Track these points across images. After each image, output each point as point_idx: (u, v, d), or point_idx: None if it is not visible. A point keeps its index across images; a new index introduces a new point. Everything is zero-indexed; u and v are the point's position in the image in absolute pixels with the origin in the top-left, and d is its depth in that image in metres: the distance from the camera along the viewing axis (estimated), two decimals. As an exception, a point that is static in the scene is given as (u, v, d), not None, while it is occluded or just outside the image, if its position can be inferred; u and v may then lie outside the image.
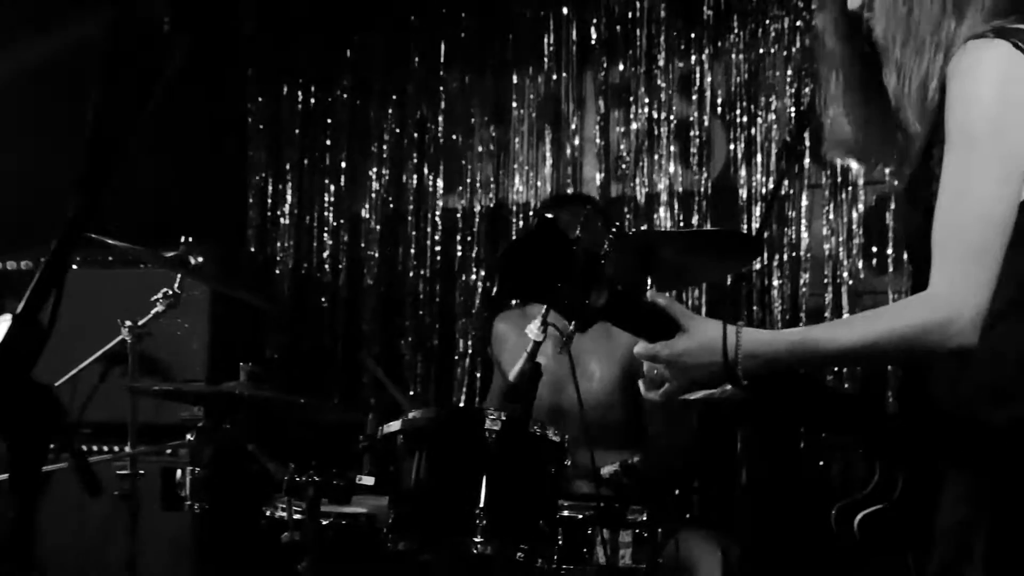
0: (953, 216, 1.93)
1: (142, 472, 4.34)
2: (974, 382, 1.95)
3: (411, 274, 6.07)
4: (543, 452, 3.43)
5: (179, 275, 4.27)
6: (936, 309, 1.91)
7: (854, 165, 5.11)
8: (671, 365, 2.08)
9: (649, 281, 3.35)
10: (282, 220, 6.33)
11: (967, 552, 1.93)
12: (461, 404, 3.87)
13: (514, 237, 5.71)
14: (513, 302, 4.50)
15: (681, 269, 3.52)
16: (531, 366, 3.43)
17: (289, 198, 6.32)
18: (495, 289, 2.06)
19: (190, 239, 4.24)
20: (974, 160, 1.93)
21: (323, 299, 6.22)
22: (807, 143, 5.25)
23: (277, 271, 6.28)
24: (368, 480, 3.67)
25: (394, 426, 3.53)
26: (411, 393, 5.95)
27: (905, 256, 2.59)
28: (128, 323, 4.31)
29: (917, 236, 2.03)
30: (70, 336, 4.75)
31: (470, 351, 5.86)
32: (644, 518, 3.54)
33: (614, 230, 4.40)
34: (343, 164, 6.24)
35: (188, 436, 3.95)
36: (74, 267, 5.34)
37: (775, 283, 5.32)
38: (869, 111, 2.21)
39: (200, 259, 4.32)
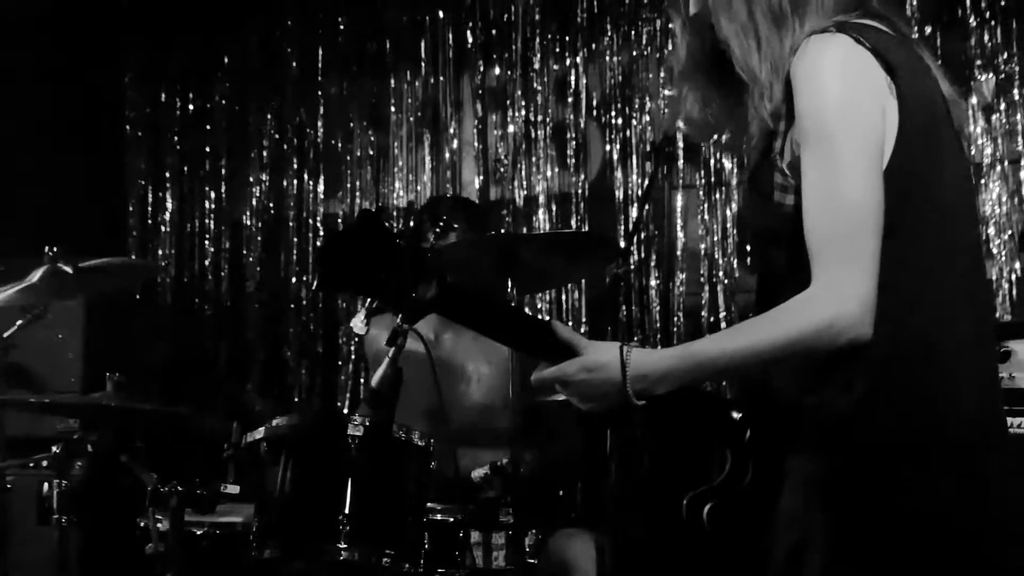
0: (824, 215, 1.93)
1: (9, 487, 4.25)
2: (816, 368, 1.98)
3: (293, 280, 6.03)
4: (407, 457, 3.42)
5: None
6: (821, 308, 1.91)
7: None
8: (566, 388, 2.10)
9: (510, 283, 3.36)
10: (162, 228, 6.26)
11: (808, 538, 1.96)
12: (325, 409, 3.85)
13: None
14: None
15: (542, 271, 3.54)
16: (393, 371, 3.41)
17: (169, 205, 6.25)
18: (315, 282, 2.00)
19: (55, 248, 4.16)
20: (833, 155, 1.93)
21: (206, 306, 6.17)
22: (680, 144, 5.30)
23: (158, 279, 6.21)
24: (233, 489, 3.63)
25: (258, 434, 3.50)
26: (295, 400, 5.93)
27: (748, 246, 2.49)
28: (-8, 335, 4.23)
29: (762, 223, 2.08)
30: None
31: (353, 357, 5.83)
32: (512, 519, 3.55)
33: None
34: (223, 170, 6.18)
35: (54, 448, 3.88)
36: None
37: (652, 283, 5.37)
38: (717, 93, 2.22)
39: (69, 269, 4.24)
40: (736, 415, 2.12)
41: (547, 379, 2.11)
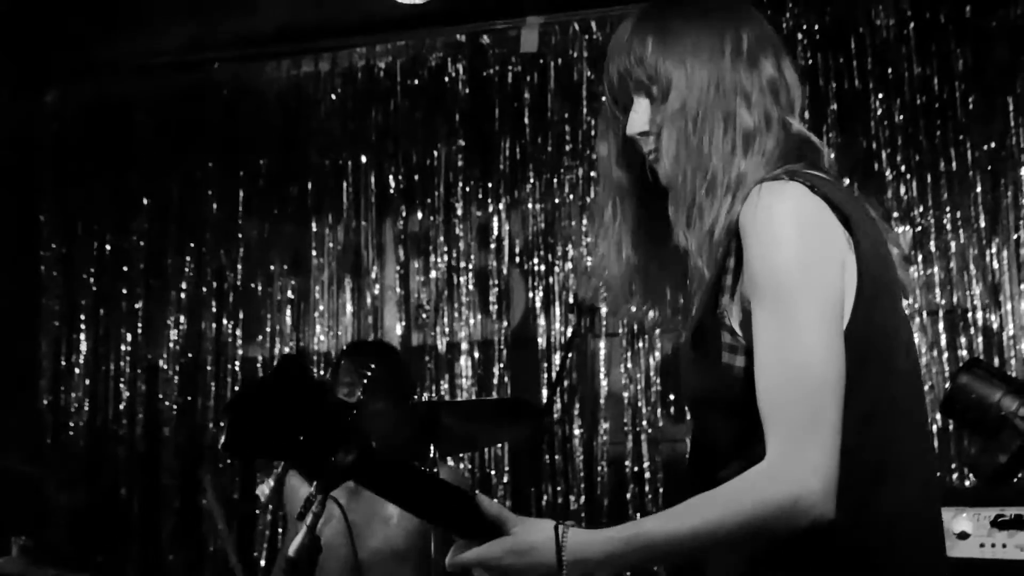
0: (780, 380, 1.79)
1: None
2: (766, 550, 1.85)
3: (210, 425, 5.91)
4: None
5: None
6: (781, 486, 1.75)
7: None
8: (491, 572, 1.89)
9: (433, 448, 3.31)
10: (76, 369, 6.12)
11: None
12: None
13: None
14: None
15: (466, 437, 3.49)
16: (310, 539, 3.33)
17: (83, 346, 6.13)
18: (221, 441, 1.73)
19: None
20: (792, 316, 1.79)
21: (119, 451, 6.02)
22: (603, 294, 5.30)
23: (71, 423, 6.06)
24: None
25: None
26: (211, 549, 5.77)
27: (686, 408, 2.42)
28: None
29: (704, 386, 1.92)
30: None
31: (271, 506, 5.70)
32: None
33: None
34: (139, 312, 6.08)
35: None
36: None
37: (575, 431, 5.33)
38: (641, 251, 2.11)
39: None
40: None
41: (468, 561, 1.89)
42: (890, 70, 5.09)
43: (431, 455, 3.30)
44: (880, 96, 5.09)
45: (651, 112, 2.02)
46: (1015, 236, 4.82)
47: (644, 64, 2.01)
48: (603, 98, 2.10)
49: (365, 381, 3.99)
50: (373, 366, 4.12)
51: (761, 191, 1.86)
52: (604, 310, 5.31)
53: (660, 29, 2.02)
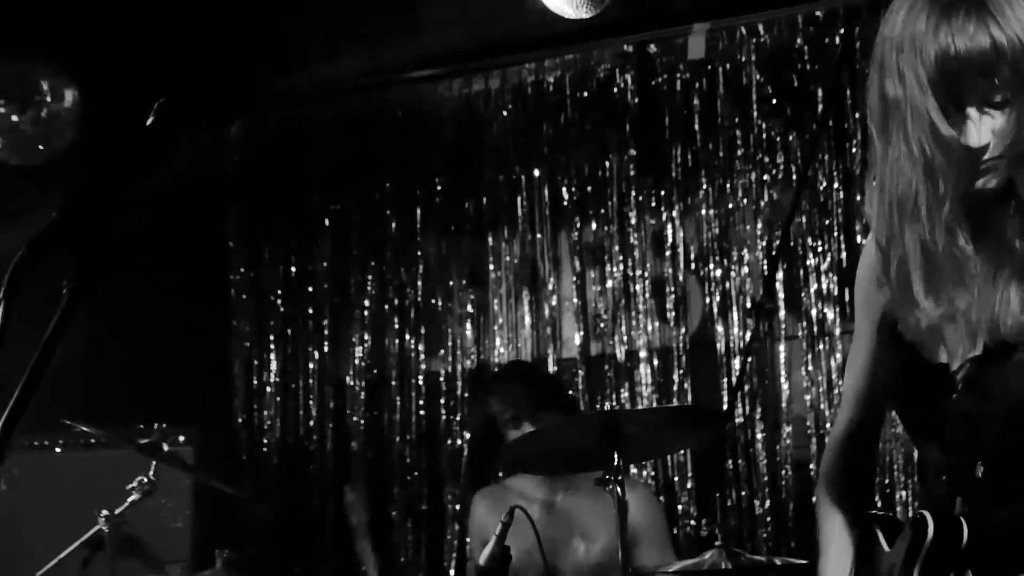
0: None
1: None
2: None
3: (397, 439, 6.05)
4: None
5: (154, 462, 4.25)
6: None
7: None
8: None
9: (616, 457, 3.34)
10: (267, 388, 6.33)
11: None
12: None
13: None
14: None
15: (649, 444, 3.52)
16: (500, 549, 3.41)
17: (274, 366, 6.34)
18: None
19: (164, 425, 4.25)
20: None
21: (311, 466, 6.20)
22: (780, 295, 5.28)
23: (265, 440, 6.27)
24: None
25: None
26: (402, 559, 5.91)
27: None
28: (105, 512, 4.28)
29: None
30: (51, 521, 4.81)
31: (459, 516, 5.81)
32: None
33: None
34: (325, 331, 6.26)
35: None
36: (56, 450, 5.36)
37: (758, 436, 5.31)
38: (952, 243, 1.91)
39: (176, 445, 4.32)
40: None
41: None
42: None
43: (616, 463, 3.33)
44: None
45: (1003, 116, 1.83)
46: None
47: (1008, 53, 1.80)
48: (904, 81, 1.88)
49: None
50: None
51: None
52: (783, 313, 5.30)
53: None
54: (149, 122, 1.68)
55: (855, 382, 2.26)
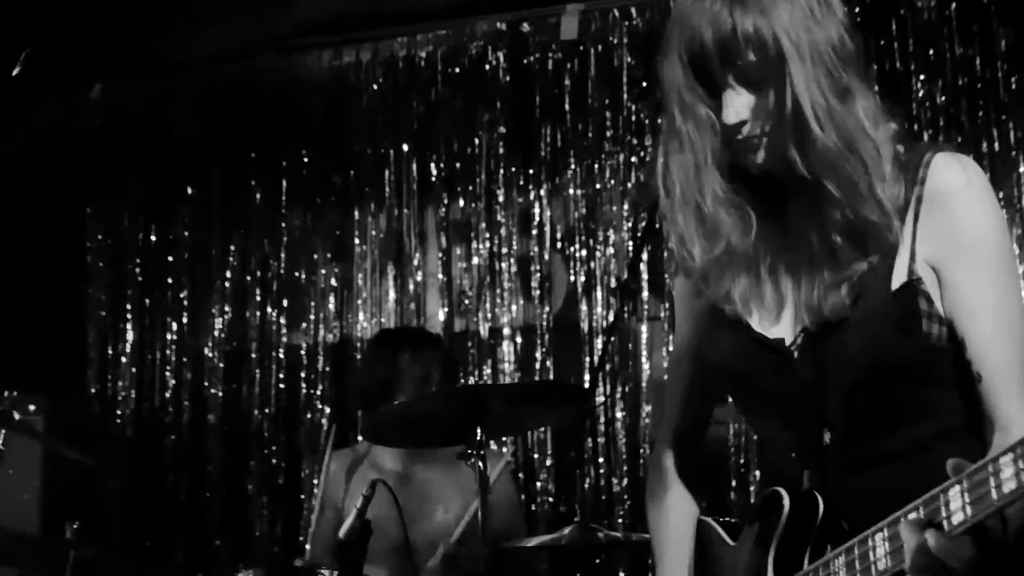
0: (1008, 343, 1.88)
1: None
2: None
3: (255, 412, 5.97)
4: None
5: (3, 431, 4.12)
6: None
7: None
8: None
9: (479, 431, 3.33)
10: (123, 358, 6.20)
11: None
12: (296, 563, 3.79)
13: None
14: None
15: (512, 419, 3.53)
16: (361, 523, 3.39)
17: (130, 336, 6.20)
18: None
19: (15, 393, 4.11)
20: (1006, 278, 1.91)
21: (166, 439, 6.08)
22: (645, 276, 5.32)
23: (118, 412, 6.14)
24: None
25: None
26: (257, 534, 5.84)
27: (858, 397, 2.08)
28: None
29: (896, 356, 1.91)
30: None
31: (316, 491, 5.75)
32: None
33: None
34: (185, 301, 6.15)
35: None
36: None
37: (618, 415, 5.35)
38: (727, 231, 2.00)
39: (26, 413, 4.19)
40: None
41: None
42: (931, 51, 5.07)
43: (479, 438, 3.32)
44: (922, 77, 5.07)
45: (755, 97, 1.92)
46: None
47: (752, 38, 1.89)
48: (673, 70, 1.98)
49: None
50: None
51: (963, 163, 1.94)
52: (646, 294, 5.35)
53: None
54: (14, 72, 1.64)
55: (679, 383, 2.30)
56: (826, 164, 1.90)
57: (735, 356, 2.08)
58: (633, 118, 5.46)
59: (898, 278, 1.93)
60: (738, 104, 1.91)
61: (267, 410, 5.94)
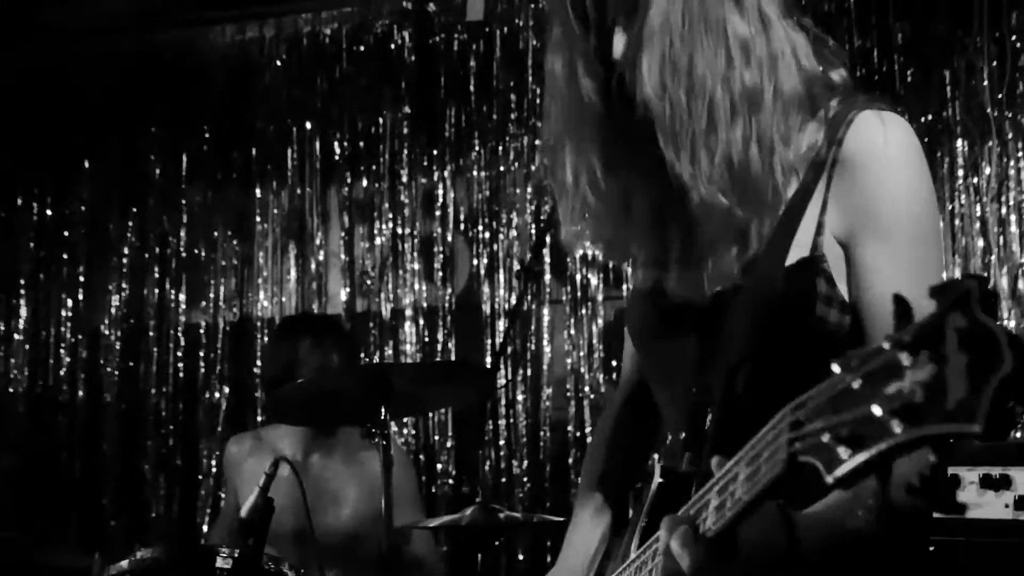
0: None
1: None
2: None
3: (152, 391, 5.90)
4: (276, 589, 3.34)
5: None
6: None
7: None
8: None
9: (383, 410, 3.33)
10: (16, 335, 6.08)
11: None
12: (197, 541, 3.73)
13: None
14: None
15: (415, 399, 3.53)
16: (264, 501, 3.36)
17: (23, 312, 6.09)
18: None
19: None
20: (924, 257, 1.67)
21: (60, 417, 5.99)
22: (547, 260, 5.35)
23: (11, 389, 6.02)
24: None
25: (122, 566, 3.38)
26: (153, 515, 5.77)
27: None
28: None
29: (782, 338, 1.71)
30: None
31: (214, 471, 5.71)
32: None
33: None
34: (81, 277, 6.05)
35: None
36: None
37: (519, 398, 5.38)
38: (615, 183, 1.87)
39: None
40: None
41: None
42: (830, 42, 5.14)
43: (382, 416, 3.32)
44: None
45: (626, 31, 1.79)
46: (949, 207, 4.91)
47: None
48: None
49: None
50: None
51: (886, 122, 1.71)
52: (548, 277, 5.38)
53: None
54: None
55: (625, 350, 2.22)
56: (677, 102, 1.71)
57: (640, 327, 1.99)
58: (538, 101, 5.47)
59: (797, 252, 1.71)
60: (618, 41, 1.78)
61: (164, 389, 5.87)
